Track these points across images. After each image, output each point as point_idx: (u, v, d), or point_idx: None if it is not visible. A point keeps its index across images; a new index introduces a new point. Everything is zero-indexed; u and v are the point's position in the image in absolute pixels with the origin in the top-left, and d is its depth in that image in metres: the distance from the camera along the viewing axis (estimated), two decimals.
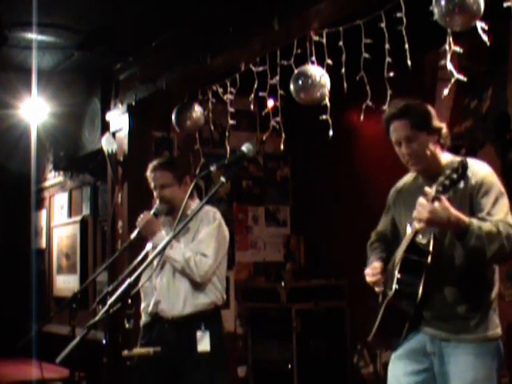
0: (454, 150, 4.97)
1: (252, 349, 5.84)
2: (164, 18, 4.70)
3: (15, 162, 6.91)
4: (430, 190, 2.45)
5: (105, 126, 5.75)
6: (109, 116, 5.72)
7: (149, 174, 3.75)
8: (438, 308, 2.63)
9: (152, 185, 3.73)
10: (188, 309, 3.58)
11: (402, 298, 2.61)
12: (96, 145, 5.92)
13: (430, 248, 2.58)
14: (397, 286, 2.59)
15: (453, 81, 3.32)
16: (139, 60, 5.41)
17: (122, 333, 4.82)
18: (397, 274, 2.61)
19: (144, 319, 3.77)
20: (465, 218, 2.45)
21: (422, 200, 2.47)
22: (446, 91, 3.44)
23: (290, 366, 5.46)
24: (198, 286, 3.59)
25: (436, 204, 2.42)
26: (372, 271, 2.79)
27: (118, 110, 5.58)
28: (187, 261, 3.50)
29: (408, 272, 2.59)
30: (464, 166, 2.40)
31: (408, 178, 2.90)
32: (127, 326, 4.02)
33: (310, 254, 6.52)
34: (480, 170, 2.63)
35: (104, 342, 4.99)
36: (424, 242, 2.60)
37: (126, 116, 5.46)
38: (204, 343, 3.52)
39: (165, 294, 3.64)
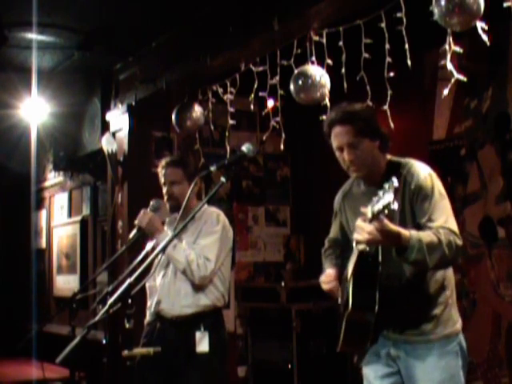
0: (454, 150, 5.00)
1: (252, 349, 5.84)
2: (164, 18, 4.71)
3: (15, 162, 6.92)
4: (366, 211, 2.38)
5: (105, 126, 5.75)
6: (109, 116, 5.72)
7: (159, 170, 3.76)
8: (396, 313, 2.61)
9: (162, 181, 3.73)
10: (188, 309, 3.58)
11: (360, 311, 2.57)
12: (96, 145, 5.92)
13: (379, 258, 2.54)
14: (353, 301, 2.55)
15: (453, 81, 3.32)
16: (139, 60, 5.41)
17: (121, 333, 4.82)
18: (351, 289, 2.57)
19: (148, 318, 3.78)
20: (405, 233, 2.39)
21: (359, 222, 2.42)
22: (446, 91, 3.44)
23: (290, 366, 5.46)
24: (198, 286, 3.58)
25: (374, 225, 2.35)
26: (326, 279, 2.79)
27: (118, 110, 5.58)
28: (190, 263, 3.50)
29: (361, 285, 2.55)
30: (394, 188, 2.28)
31: (351, 182, 2.87)
32: (127, 326, 4.01)
33: (310, 254, 6.51)
34: (419, 173, 2.58)
35: (104, 342, 4.99)
36: (372, 251, 2.55)
37: (126, 116, 5.46)
38: (203, 344, 3.52)
39: (166, 294, 3.64)
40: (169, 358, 3.51)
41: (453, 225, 2.50)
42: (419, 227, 2.50)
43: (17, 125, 6.22)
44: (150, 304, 3.75)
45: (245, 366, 5.91)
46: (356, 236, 2.44)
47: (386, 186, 2.30)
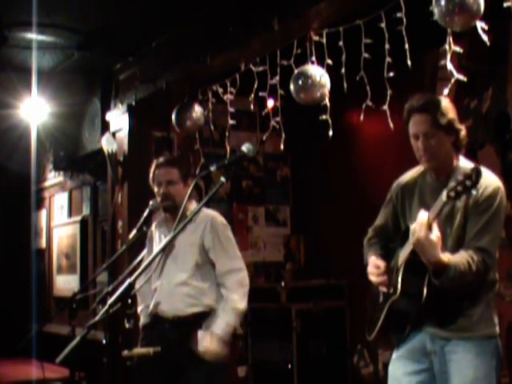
0: None
1: (252, 349, 5.84)
2: (164, 18, 4.71)
3: (15, 162, 6.91)
4: (427, 216, 2.50)
5: (105, 126, 5.75)
6: (109, 116, 5.72)
7: (153, 170, 3.68)
8: (439, 307, 2.64)
9: (155, 181, 3.66)
10: (189, 309, 3.56)
11: (406, 299, 2.62)
12: (96, 145, 5.92)
13: None
14: (402, 287, 2.61)
15: (453, 81, 3.32)
16: (139, 60, 5.41)
17: (121, 333, 4.82)
18: (401, 275, 2.62)
19: (143, 321, 3.75)
20: (445, 261, 2.49)
21: (418, 223, 2.52)
22: (446, 91, 3.44)
23: (290, 366, 5.46)
24: (199, 287, 3.59)
25: (430, 237, 2.47)
26: (377, 271, 2.78)
27: (118, 110, 5.58)
28: (238, 308, 3.50)
29: (412, 273, 2.60)
30: (478, 174, 2.37)
31: (414, 172, 2.88)
32: (127, 325, 4.01)
33: (310, 253, 6.51)
34: (488, 185, 2.60)
35: (104, 341, 4.98)
36: None
37: (126, 116, 5.46)
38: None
39: (165, 295, 3.61)
40: (170, 359, 3.50)
41: (492, 246, 2.59)
42: (463, 234, 2.60)
43: (17, 125, 6.22)
44: (145, 306, 3.73)
45: (245, 365, 5.91)
46: (412, 231, 2.55)
47: (469, 170, 2.39)
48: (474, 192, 2.39)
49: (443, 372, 2.65)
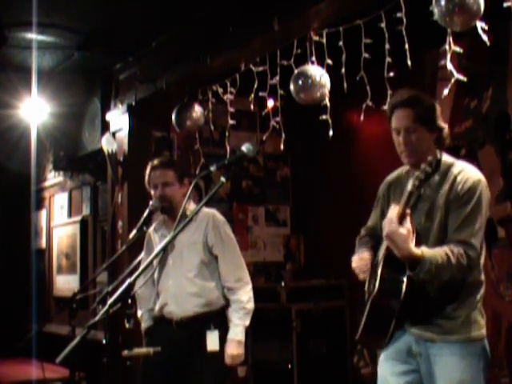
0: (454, 150, 4.99)
1: (252, 349, 5.84)
2: (164, 18, 4.71)
3: (15, 162, 6.92)
4: (397, 207, 2.53)
5: (105, 126, 5.75)
6: (109, 116, 5.72)
7: (148, 172, 3.69)
8: (423, 308, 2.61)
9: (151, 183, 3.67)
10: (197, 309, 3.57)
11: (386, 295, 2.58)
12: (96, 145, 5.92)
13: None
14: (380, 283, 2.57)
15: (453, 81, 3.33)
16: (139, 60, 5.41)
17: (122, 333, 4.82)
18: (380, 271, 2.59)
19: (146, 325, 3.75)
20: (418, 254, 2.46)
21: (388, 216, 2.54)
22: (446, 91, 3.44)
23: (290, 366, 5.46)
24: (206, 286, 3.59)
25: (400, 231, 2.47)
26: (358, 257, 2.79)
27: (118, 110, 5.58)
28: (249, 309, 3.66)
29: (391, 268, 2.56)
30: (437, 160, 2.47)
31: (400, 171, 2.87)
32: (127, 326, 4.01)
33: (310, 253, 6.52)
34: (469, 177, 2.59)
35: (104, 341, 4.98)
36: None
37: (126, 116, 5.46)
38: (213, 342, 3.51)
39: (172, 296, 3.61)
40: (177, 360, 3.51)
41: (475, 239, 2.53)
42: (445, 229, 2.57)
43: (17, 125, 6.22)
44: (145, 310, 3.74)
45: (245, 366, 5.91)
46: (383, 225, 2.56)
47: (431, 158, 2.48)
48: (436, 178, 2.51)
49: (429, 374, 2.62)
